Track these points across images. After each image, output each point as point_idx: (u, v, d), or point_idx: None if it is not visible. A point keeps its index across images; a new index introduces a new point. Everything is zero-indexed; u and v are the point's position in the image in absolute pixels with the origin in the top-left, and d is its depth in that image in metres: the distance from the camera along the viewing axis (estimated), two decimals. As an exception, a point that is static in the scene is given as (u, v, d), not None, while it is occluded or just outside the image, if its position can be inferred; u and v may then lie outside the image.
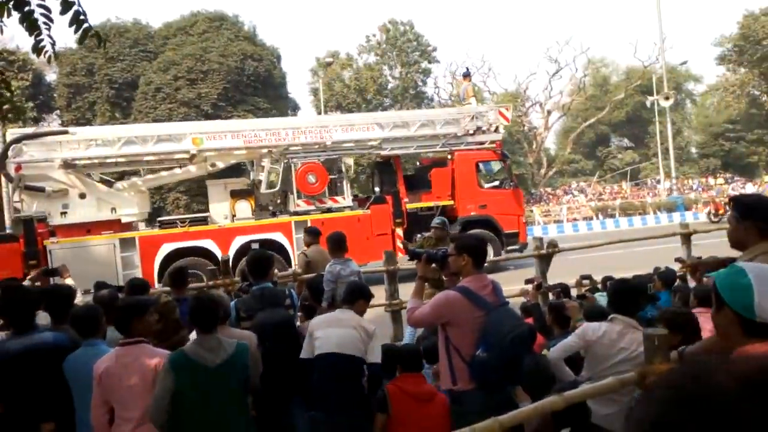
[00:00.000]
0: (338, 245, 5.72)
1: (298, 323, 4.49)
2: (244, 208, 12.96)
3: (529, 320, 5.11)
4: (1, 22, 2.56)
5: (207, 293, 3.99)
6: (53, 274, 7.29)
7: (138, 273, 11.30)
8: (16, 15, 2.45)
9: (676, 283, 5.74)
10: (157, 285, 10.82)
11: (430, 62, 41.71)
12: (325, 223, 12.21)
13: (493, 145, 14.26)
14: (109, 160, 12.69)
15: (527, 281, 6.07)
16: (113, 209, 12.43)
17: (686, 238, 8.34)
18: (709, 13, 73.32)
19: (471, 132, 13.96)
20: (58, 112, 34.03)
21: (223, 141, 12.80)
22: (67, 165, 12.06)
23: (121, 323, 3.37)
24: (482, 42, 72.04)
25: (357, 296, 3.95)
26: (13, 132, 12.58)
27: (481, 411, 2.72)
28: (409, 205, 13.68)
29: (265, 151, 13.26)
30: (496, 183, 15.01)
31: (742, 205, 2.72)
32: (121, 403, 3.24)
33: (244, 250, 11.74)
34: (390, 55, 41.47)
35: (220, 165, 13.70)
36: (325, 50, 41.65)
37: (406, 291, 6.05)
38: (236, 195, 13.05)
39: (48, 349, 3.46)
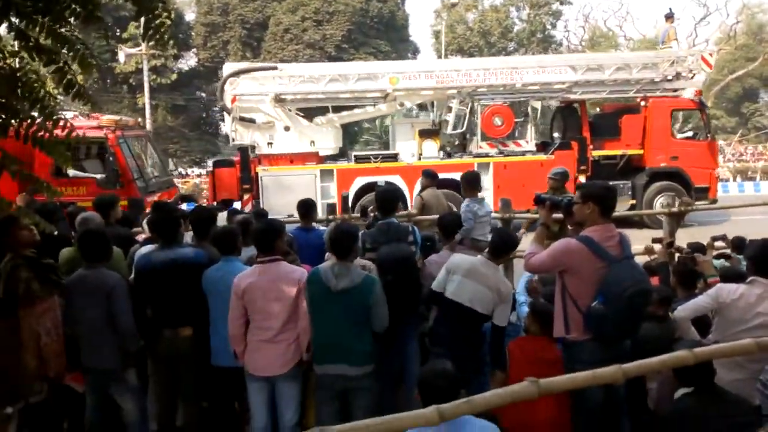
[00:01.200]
0: (473, 184, 5.79)
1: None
2: (431, 147, 13.41)
3: (654, 280, 4.92)
4: None
5: (346, 224, 4.23)
6: (189, 200, 8.03)
7: (334, 202, 12.09)
8: None
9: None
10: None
11: (562, 3, 39.14)
12: (507, 167, 12.99)
13: (691, 94, 13.53)
14: (311, 96, 13.54)
15: (654, 240, 5.79)
16: (312, 142, 13.35)
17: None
18: None
19: (669, 78, 13.30)
20: (195, 50, 36.15)
21: (417, 81, 13.18)
22: (277, 99, 13.08)
23: (263, 242, 3.68)
24: (621, -18, 65.90)
25: (503, 252, 3.94)
26: (229, 66, 13.79)
27: (592, 362, 2.71)
28: (593, 153, 13.47)
29: (453, 91, 13.48)
30: (690, 134, 14.42)
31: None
32: (263, 314, 3.57)
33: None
34: (518, -4, 39.44)
35: (408, 104, 14.46)
36: (450, -9, 40.23)
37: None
38: (424, 134, 13.48)
39: (188, 263, 3.85)
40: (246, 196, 12.55)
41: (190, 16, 37.35)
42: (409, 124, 14.18)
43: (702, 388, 2.74)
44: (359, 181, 12.89)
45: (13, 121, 2.90)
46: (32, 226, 3.44)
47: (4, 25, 2.72)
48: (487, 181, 12.85)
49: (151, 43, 2.80)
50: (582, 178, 12.92)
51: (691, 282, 4.26)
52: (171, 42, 2.76)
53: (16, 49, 2.87)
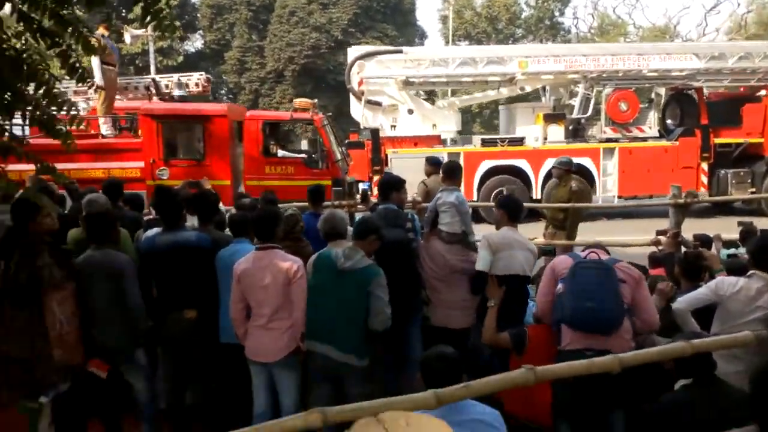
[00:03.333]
0: (446, 174, 5.73)
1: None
2: (556, 131, 13.51)
3: (659, 271, 4.92)
4: None
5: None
6: (197, 186, 8.06)
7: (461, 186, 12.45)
8: None
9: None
10: (474, 199, 12.29)
11: (570, -10, 38.77)
12: (632, 152, 13.19)
13: None
14: (437, 80, 13.76)
15: (659, 232, 5.79)
16: (434, 125, 13.59)
17: None
18: None
19: None
20: (200, 31, 35.98)
21: (546, 65, 13.33)
22: (404, 82, 13.29)
23: (261, 229, 3.72)
24: (632, -31, 64.91)
25: (517, 214, 4.18)
26: (355, 49, 14.17)
27: None
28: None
29: (576, 76, 13.61)
30: None
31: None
32: (256, 301, 3.62)
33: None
34: (527, -18, 39.01)
35: (528, 89, 14.56)
36: (458, -24, 39.81)
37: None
38: (549, 119, 13.59)
39: (190, 246, 3.91)
40: (376, 178, 12.64)
41: (195, -2, 37.12)
42: (530, 108, 14.20)
43: (701, 380, 2.75)
44: (485, 165, 13.03)
45: (17, 102, 2.90)
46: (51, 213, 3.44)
47: (7, 7, 2.72)
48: (611, 166, 13.20)
49: (147, 27, 2.79)
50: (704, 165, 13.21)
51: (695, 274, 4.25)
52: (172, 28, 2.75)
53: (19, 32, 2.86)
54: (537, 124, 13.56)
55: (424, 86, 14.26)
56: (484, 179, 13.04)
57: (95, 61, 9.34)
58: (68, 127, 3.03)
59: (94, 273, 3.63)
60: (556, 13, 39.02)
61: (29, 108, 2.96)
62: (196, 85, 12.93)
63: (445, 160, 12.39)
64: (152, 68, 26.46)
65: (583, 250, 3.61)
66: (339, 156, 10.29)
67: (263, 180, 9.00)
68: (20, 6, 2.74)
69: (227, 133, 9.22)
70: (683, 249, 5.21)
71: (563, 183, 7.48)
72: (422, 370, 2.51)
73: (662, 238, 5.59)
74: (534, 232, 6.97)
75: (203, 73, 15.33)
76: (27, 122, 2.97)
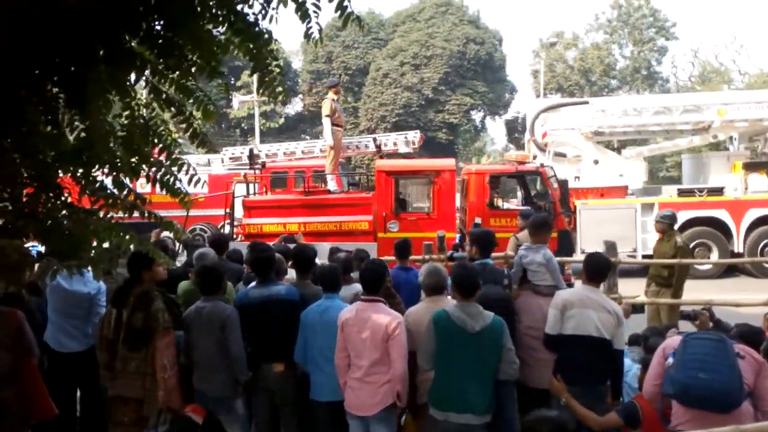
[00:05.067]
0: (532, 231, 5.60)
1: None
2: (758, 180, 13.01)
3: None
4: (276, 12, 2.91)
5: (468, 263, 4.24)
6: (292, 241, 8.42)
7: (654, 237, 12.65)
8: (291, 5, 2.81)
9: None
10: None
11: (667, 39, 37.65)
12: None
13: None
14: (625, 129, 13.85)
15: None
16: (621, 175, 13.54)
17: None
18: None
19: None
20: (300, 95, 38.25)
21: (747, 112, 13.06)
22: (593, 133, 13.55)
23: (368, 282, 3.81)
24: (732, 16, 62.36)
25: (599, 273, 3.94)
26: (539, 102, 14.86)
27: None
28: None
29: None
30: None
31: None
32: (356, 352, 3.67)
33: (759, 222, 12.34)
34: (621, 33, 38.36)
35: (721, 137, 14.28)
36: (549, 31, 40.00)
37: None
38: (749, 167, 13.18)
39: (280, 300, 4.03)
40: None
41: (296, 64, 39.73)
42: (724, 157, 13.85)
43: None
44: (683, 215, 12.48)
45: (144, 165, 3.22)
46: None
47: (139, 80, 3.08)
48: None
49: (263, 94, 3.04)
50: None
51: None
52: (282, 94, 2.99)
53: (148, 101, 3.21)
54: (735, 173, 13.00)
55: (613, 136, 14.15)
56: (682, 229, 12.33)
57: (327, 123, 10.22)
58: (186, 187, 3.31)
59: (203, 323, 3.85)
60: (653, 63, 37.93)
61: (153, 169, 3.28)
62: (412, 142, 14.71)
63: (638, 210, 12.25)
64: (257, 130, 28.31)
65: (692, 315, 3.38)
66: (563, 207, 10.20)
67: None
68: (150, 78, 3.09)
69: (454, 187, 9.58)
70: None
71: (667, 238, 7.08)
72: None
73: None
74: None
75: (418, 132, 17.14)
76: (149, 182, 3.28)
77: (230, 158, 16.31)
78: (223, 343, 3.83)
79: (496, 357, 3.46)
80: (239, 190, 14.61)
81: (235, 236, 9.96)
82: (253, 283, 4.30)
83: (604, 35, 38.90)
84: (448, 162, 10.39)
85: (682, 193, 13.01)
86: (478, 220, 8.21)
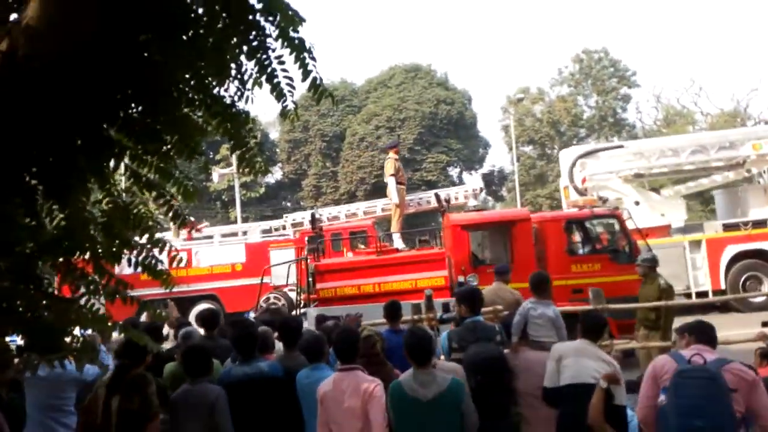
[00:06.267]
0: (536, 286, 5.60)
1: None
2: None
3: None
4: (252, 92, 3.00)
5: (421, 328, 4.22)
6: (277, 313, 8.32)
7: (704, 273, 12.70)
8: (266, 86, 2.90)
9: None
10: (723, 286, 12.23)
11: (629, 87, 39.23)
12: None
13: None
14: (665, 170, 14.14)
15: (765, 323, 5.36)
16: (662, 215, 13.72)
17: None
18: None
19: None
20: (280, 164, 38.71)
21: None
22: (634, 176, 13.79)
23: (342, 351, 3.73)
24: (688, 60, 65.44)
25: (596, 330, 3.90)
26: (575, 149, 14.99)
27: None
28: None
29: None
30: None
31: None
32: (338, 423, 3.55)
33: None
34: (584, 85, 39.90)
35: (754, 171, 14.57)
36: (515, 87, 41.47)
37: None
38: None
39: (263, 378, 3.93)
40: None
41: (274, 135, 40.42)
42: (761, 189, 14.19)
43: None
44: (730, 250, 12.84)
45: (125, 250, 3.21)
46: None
47: (118, 167, 3.12)
48: None
49: (243, 171, 3.10)
50: None
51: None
52: (261, 170, 3.04)
53: (128, 186, 3.24)
54: None
55: (651, 177, 14.43)
56: (730, 264, 12.76)
57: (392, 182, 10.40)
58: (169, 267, 3.29)
59: (189, 406, 3.73)
60: (618, 110, 39.32)
61: (134, 253, 3.26)
62: (474, 191, 15.63)
63: (686, 247, 12.47)
64: (237, 202, 28.39)
65: (687, 350, 3.36)
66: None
67: (569, 279, 8.92)
68: (130, 164, 3.12)
69: (531, 236, 9.38)
70: None
71: (649, 281, 7.16)
72: None
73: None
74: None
75: (480, 185, 17.64)
76: (131, 266, 3.25)
77: (292, 224, 16.69)
78: (211, 426, 3.70)
79: (456, 421, 3.37)
80: (275, 257, 14.87)
81: (301, 302, 9.87)
82: (236, 362, 4.18)
83: (569, 88, 40.40)
84: (523, 211, 10.52)
85: (727, 227, 13.18)
86: (461, 278, 8.14)
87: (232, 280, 15.19)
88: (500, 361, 4.05)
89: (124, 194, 3.37)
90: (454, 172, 37.94)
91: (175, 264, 3.28)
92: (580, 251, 9.58)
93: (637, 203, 13.37)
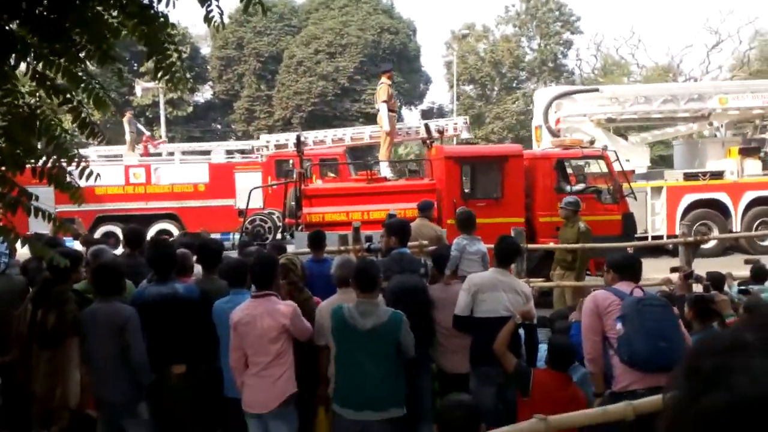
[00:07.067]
0: (467, 223, 5.74)
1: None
2: (753, 165, 13.83)
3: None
4: None
5: (368, 258, 4.22)
6: (196, 237, 8.14)
7: (662, 218, 13.23)
8: None
9: None
10: (677, 231, 12.20)
11: (572, 33, 39.55)
12: None
13: None
14: (636, 117, 14.27)
15: (673, 269, 5.73)
16: (627, 160, 13.70)
17: None
18: None
19: None
20: (210, 82, 36.90)
21: (744, 101, 13.95)
22: (603, 120, 13.90)
23: (258, 277, 3.69)
24: (631, 11, 66.51)
25: (509, 257, 4.08)
26: (552, 89, 14.98)
27: None
28: None
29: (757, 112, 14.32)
30: None
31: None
32: (252, 349, 3.57)
33: (754, 203, 13.45)
34: (529, 27, 39.85)
35: (716, 124, 15.12)
36: (461, 23, 40.93)
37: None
38: (744, 153, 13.88)
39: (178, 299, 3.86)
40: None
41: (205, 50, 38.23)
42: (719, 143, 14.69)
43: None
44: (687, 198, 13.39)
45: (29, 159, 2.96)
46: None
47: (22, 65, 2.82)
48: None
49: (161, 82, 2.87)
50: None
51: (708, 315, 4.17)
52: (182, 82, 2.83)
53: (33, 89, 2.95)
54: (731, 158, 13.92)
55: (622, 123, 14.66)
56: (686, 211, 13.44)
57: (383, 108, 9.93)
58: (78, 180, 3.08)
59: (98, 325, 3.63)
60: (559, 56, 39.74)
61: (40, 162, 3.02)
62: (467, 128, 15.41)
63: (648, 193, 12.97)
64: (162, 119, 27.07)
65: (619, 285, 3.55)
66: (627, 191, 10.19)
67: (555, 216, 8.77)
68: (34, 64, 2.83)
69: (522, 172, 9.38)
70: (696, 289, 5.13)
71: (571, 224, 7.47)
72: (440, 421, 2.44)
73: (674, 276, 5.52)
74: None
75: (467, 118, 16.83)
76: (35, 176, 3.02)
77: (275, 145, 15.99)
78: (122, 346, 3.62)
79: (395, 353, 3.45)
80: (239, 179, 14.69)
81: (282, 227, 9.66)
82: (151, 282, 4.06)
83: (514, 28, 40.27)
84: (516, 147, 10.49)
85: (687, 176, 13.85)
86: (392, 210, 8.17)
87: (195, 201, 14.86)
88: (422, 292, 4.15)
89: (29, 98, 3.09)
90: (392, 105, 37.53)
91: (85, 179, 3.08)
92: (567, 189, 9.68)
93: (605, 148, 13.83)
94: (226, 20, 2.69)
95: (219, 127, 37.49)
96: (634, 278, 3.61)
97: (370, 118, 33.24)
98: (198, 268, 4.54)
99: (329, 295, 4.16)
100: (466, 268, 4.55)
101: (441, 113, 41.39)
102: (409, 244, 5.11)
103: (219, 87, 35.56)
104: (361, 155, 22.02)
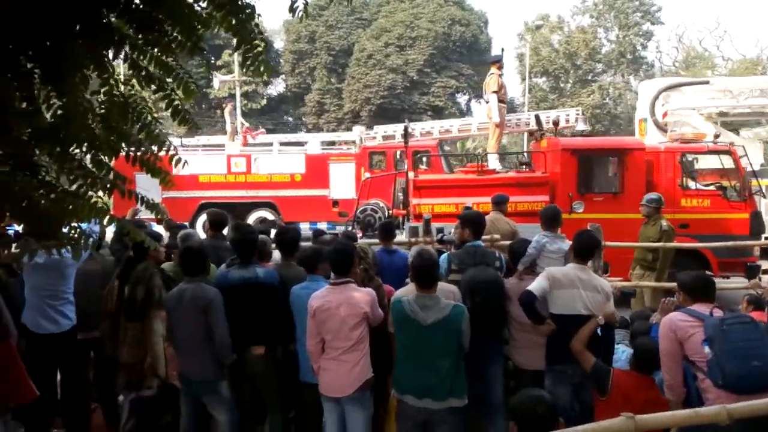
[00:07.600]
0: (552, 220, 5.56)
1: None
2: None
3: (759, 315, 4.54)
4: None
5: (428, 251, 4.21)
6: (273, 224, 8.35)
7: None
8: None
9: None
10: None
11: (653, 24, 37.74)
12: None
13: None
14: (746, 110, 13.65)
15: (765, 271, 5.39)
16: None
17: None
18: None
19: None
20: (283, 76, 37.75)
21: None
22: (713, 114, 13.35)
23: (337, 265, 3.75)
24: (716, 1, 62.67)
25: (588, 252, 3.95)
26: (659, 81, 14.41)
27: None
28: None
29: None
30: None
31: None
32: (332, 334, 3.63)
33: None
34: (607, 17, 38.33)
35: None
36: (534, 13, 39.86)
37: None
38: None
39: (258, 283, 3.99)
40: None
41: (278, 44, 39.17)
42: None
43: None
44: None
45: (123, 144, 3.13)
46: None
47: (118, 56, 2.98)
48: None
49: (247, 71, 2.95)
50: None
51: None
52: (267, 71, 2.90)
53: (127, 78, 3.11)
54: None
55: (737, 117, 13.97)
56: None
57: (493, 99, 9.94)
58: (168, 166, 3.22)
59: (185, 306, 3.80)
60: (638, 47, 38.04)
61: (132, 149, 3.18)
62: (584, 120, 15.04)
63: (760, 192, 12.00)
64: (238, 111, 27.91)
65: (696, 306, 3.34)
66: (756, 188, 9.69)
67: (678, 213, 8.72)
68: (130, 54, 2.98)
69: (644, 166, 9.16)
70: None
71: (652, 222, 7.15)
72: (518, 416, 2.41)
73: (766, 279, 5.18)
74: None
75: (580, 110, 17.04)
76: (128, 161, 3.18)
77: (383, 136, 15.94)
78: (206, 326, 3.77)
79: (454, 345, 3.43)
80: (334, 170, 15.15)
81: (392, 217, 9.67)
82: (234, 265, 4.22)
83: (590, 19, 38.88)
84: (637, 140, 10.14)
85: None
86: (469, 203, 8.03)
87: (291, 190, 15.26)
88: (496, 285, 4.09)
89: (123, 87, 3.25)
90: (462, 99, 37.14)
91: (174, 165, 3.21)
92: (692, 185, 9.23)
93: (715, 143, 13.27)
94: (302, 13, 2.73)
95: (290, 119, 38.37)
96: (708, 298, 3.38)
97: (438, 111, 33.14)
98: (276, 255, 4.66)
99: (398, 285, 4.20)
100: (545, 265, 4.41)
101: (512, 107, 40.58)
102: (483, 237, 5.04)
103: (291, 80, 36.36)
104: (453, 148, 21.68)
